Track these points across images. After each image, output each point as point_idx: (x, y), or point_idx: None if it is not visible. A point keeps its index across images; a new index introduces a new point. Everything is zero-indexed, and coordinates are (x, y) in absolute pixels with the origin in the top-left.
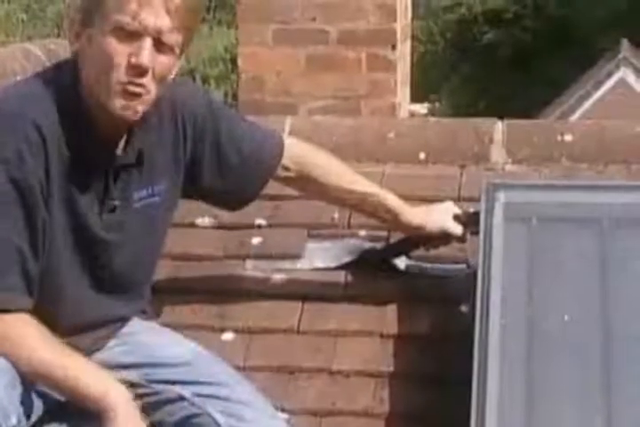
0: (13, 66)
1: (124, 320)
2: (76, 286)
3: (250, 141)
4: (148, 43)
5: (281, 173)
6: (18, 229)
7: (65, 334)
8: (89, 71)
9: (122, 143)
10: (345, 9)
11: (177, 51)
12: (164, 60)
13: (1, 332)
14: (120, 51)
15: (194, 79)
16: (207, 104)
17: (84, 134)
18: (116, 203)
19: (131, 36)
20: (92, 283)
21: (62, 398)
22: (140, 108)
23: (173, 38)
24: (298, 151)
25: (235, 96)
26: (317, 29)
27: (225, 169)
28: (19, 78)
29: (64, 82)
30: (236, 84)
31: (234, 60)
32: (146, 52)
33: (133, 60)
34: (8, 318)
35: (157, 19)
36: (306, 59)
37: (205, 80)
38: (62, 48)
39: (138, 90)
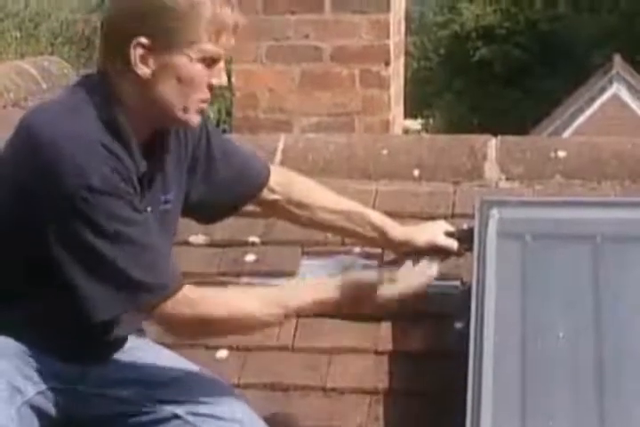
0: (6, 83)
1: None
2: None
3: (239, 159)
4: (223, 63)
5: (267, 195)
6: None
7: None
8: (164, 92)
9: (150, 152)
10: (338, 26)
11: None
12: None
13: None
14: (205, 74)
15: None
16: (202, 121)
17: (124, 146)
18: (148, 209)
19: (216, 60)
20: None
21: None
22: None
23: None
24: (283, 175)
25: (229, 113)
26: (311, 46)
27: (213, 183)
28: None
29: (97, 98)
30: (229, 101)
31: (227, 77)
32: (224, 73)
33: (215, 81)
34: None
35: (232, 40)
36: (299, 76)
37: None
38: (55, 65)
39: (206, 106)
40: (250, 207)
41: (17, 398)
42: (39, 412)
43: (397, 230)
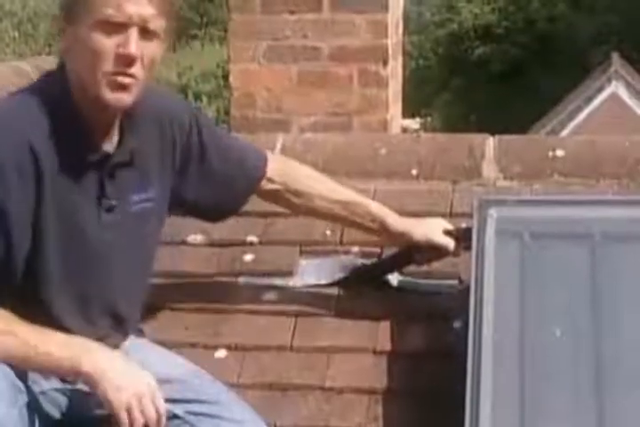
0: (4, 83)
1: (120, 340)
2: (68, 302)
3: (235, 151)
4: (134, 32)
5: (266, 185)
6: None
7: None
8: (77, 67)
9: (114, 142)
10: (336, 26)
11: (162, 36)
12: (150, 46)
13: None
14: (107, 43)
15: (186, 96)
16: (192, 114)
17: (77, 135)
18: (113, 202)
19: (117, 27)
20: (83, 299)
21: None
22: (131, 97)
23: (158, 24)
24: (281, 164)
25: (227, 112)
26: (309, 46)
27: (210, 179)
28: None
29: (54, 86)
30: (228, 101)
31: (226, 77)
32: (133, 42)
33: (121, 50)
34: None
35: (140, 7)
36: (297, 75)
37: (198, 96)
38: (53, 66)
39: (127, 80)
40: (248, 207)
41: (19, 399)
42: (41, 412)
43: (397, 221)
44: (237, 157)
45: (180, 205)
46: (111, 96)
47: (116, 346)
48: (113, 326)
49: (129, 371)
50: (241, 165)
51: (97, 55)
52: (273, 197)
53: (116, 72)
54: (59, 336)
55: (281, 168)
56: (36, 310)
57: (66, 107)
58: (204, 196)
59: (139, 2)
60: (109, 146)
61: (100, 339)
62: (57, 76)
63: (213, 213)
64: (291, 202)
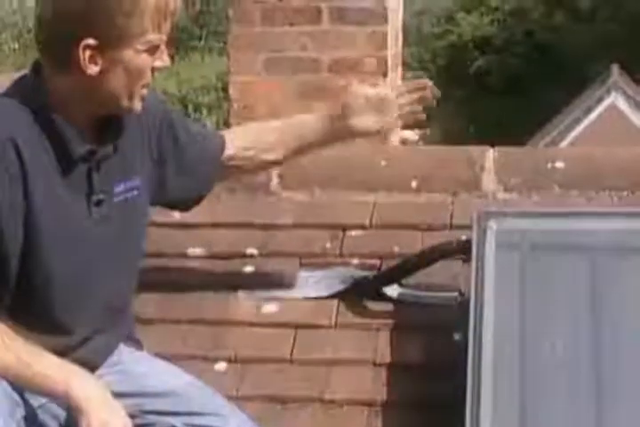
0: None
1: (110, 344)
2: (65, 299)
3: (201, 134)
4: (164, 45)
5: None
6: None
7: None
8: (116, 85)
9: (98, 137)
10: (336, 37)
11: None
12: None
13: None
14: (150, 61)
15: (186, 107)
16: (161, 102)
17: (61, 136)
18: (101, 196)
19: (158, 47)
20: (80, 295)
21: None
22: None
23: None
24: (235, 130)
25: (226, 124)
26: (308, 58)
27: (186, 164)
28: None
29: (34, 91)
30: (227, 113)
31: (225, 89)
32: (166, 55)
33: (158, 63)
34: None
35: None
36: (297, 87)
37: (197, 108)
38: None
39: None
40: (247, 219)
41: (17, 412)
42: (40, 424)
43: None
44: (201, 138)
45: (164, 195)
46: (139, 106)
47: (110, 346)
48: (108, 321)
49: (114, 404)
50: (205, 146)
51: (141, 73)
52: (234, 163)
53: (147, 84)
54: (52, 358)
55: (234, 130)
56: (33, 308)
57: (48, 109)
58: (181, 183)
59: (172, 19)
60: (94, 141)
61: (95, 333)
62: (32, 81)
63: (187, 200)
64: (249, 155)
